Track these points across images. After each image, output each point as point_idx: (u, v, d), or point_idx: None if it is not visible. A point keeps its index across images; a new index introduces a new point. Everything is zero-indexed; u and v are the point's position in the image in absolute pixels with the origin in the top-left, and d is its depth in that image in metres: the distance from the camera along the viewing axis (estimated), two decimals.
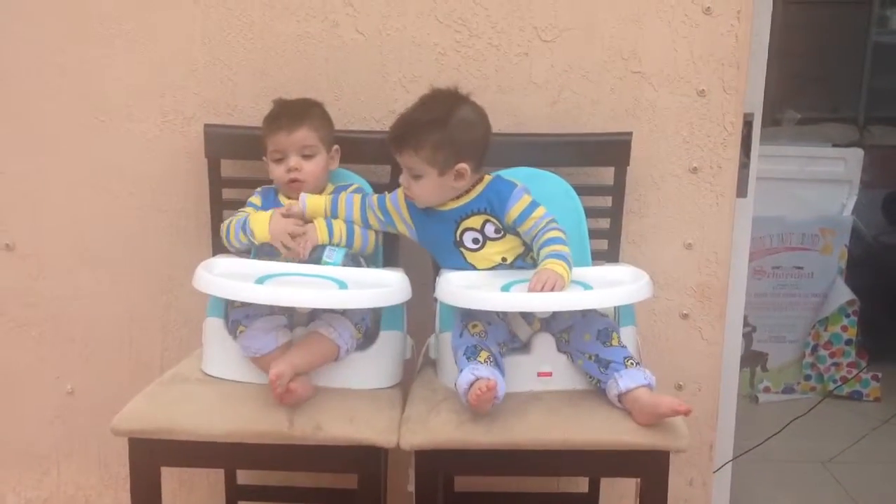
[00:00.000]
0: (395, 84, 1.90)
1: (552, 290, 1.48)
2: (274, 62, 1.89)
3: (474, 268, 1.64)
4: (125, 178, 1.96)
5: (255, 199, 1.76)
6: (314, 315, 1.61)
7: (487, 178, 1.66)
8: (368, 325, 1.63)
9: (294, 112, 1.71)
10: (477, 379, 1.45)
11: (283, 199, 1.75)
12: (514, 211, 1.60)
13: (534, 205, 1.61)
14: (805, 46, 4.47)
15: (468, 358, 1.52)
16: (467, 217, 1.64)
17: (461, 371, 1.50)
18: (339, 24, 1.88)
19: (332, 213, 1.71)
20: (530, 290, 1.49)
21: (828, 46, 4.75)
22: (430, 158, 1.57)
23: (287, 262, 1.65)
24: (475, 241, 1.64)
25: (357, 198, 1.72)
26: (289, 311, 1.60)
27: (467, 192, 1.64)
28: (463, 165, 1.59)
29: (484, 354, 1.52)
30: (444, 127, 1.57)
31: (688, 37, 1.87)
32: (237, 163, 1.90)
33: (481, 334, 1.56)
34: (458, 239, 1.64)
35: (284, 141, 1.68)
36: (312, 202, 1.70)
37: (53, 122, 1.94)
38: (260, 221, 1.67)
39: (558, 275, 1.50)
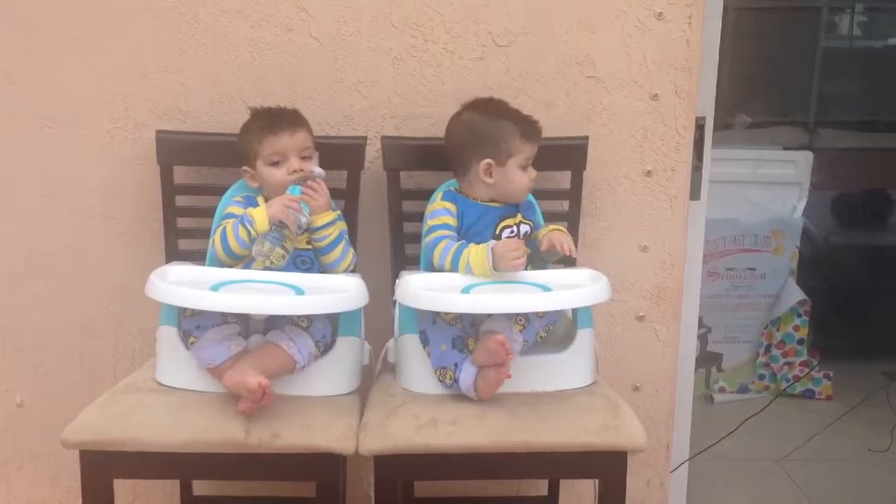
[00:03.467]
0: (351, 89, 1.89)
1: (569, 248, 1.64)
2: (227, 68, 1.88)
3: None
4: (75, 185, 1.92)
5: (237, 208, 1.68)
6: (271, 322, 1.60)
7: None
8: (329, 342, 1.62)
9: (291, 116, 1.70)
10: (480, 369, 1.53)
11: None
12: (539, 218, 1.79)
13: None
14: (756, 51, 4.54)
15: (460, 350, 1.57)
16: (509, 217, 1.72)
17: (458, 366, 1.55)
18: (293, 29, 1.86)
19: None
20: (555, 247, 1.64)
21: (778, 51, 4.84)
22: None
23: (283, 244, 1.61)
24: (511, 233, 1.72)
25: (452, 249, 1.65)
26: (243, 319, 1.58)
27: None
28: None
29: (472, 343, 1.58)
30: None
31: (641, 42, 1.89)
32: (191, 169, 1.87)
33: (456, 320, 1.61)
34: (496, 233, 1.70)
35: (287, 143, 1.65)
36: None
37: (1, 129, 1.90)
38: (257, 211, 1.62)
39: (566, 234, 1.68)
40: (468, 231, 1.70)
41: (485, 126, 1.68)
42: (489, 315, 1.62)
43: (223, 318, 1.56)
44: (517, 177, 1.68)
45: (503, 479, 2.00)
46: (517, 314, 1.57)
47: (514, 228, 1.72)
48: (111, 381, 1.85)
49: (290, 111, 1.72)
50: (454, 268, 1.63)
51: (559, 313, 1.67)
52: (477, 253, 1.61)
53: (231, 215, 1.67)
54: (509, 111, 1.71)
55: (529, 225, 1.74)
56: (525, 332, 1.59)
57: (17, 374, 2.01)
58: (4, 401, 2.03)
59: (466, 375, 1.54)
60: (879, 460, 2.74)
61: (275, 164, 1.67)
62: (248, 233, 1.60)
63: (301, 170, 1.66)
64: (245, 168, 1.71)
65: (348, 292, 1.55)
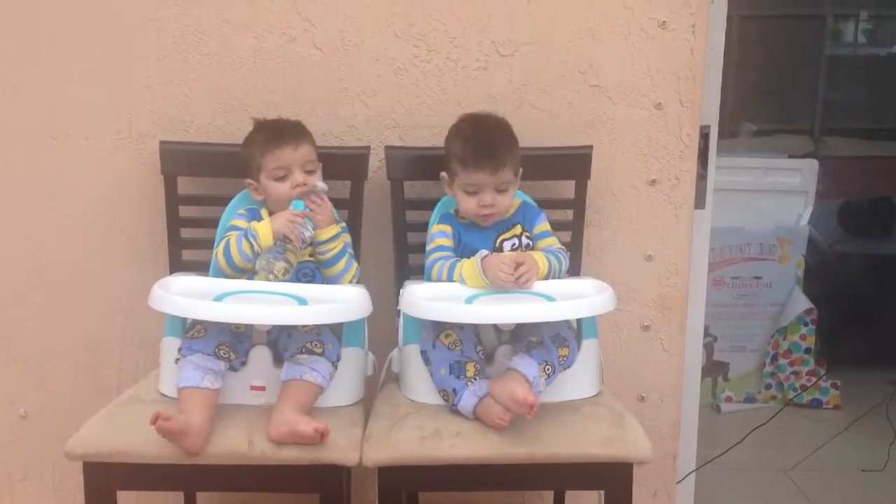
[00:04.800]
0: (354, 99, 1.89)
1: (525, 274, 1.58)
2: (230, 78, 1.88)
3: None
4: (79, 196, 1.92)
5: (241, 221, 1.68)
6: (275, 333, 1.60)
7: (518, 201, 1.77)
8: (340, 358, 1.61)
9: (295, 129, 1.69)
10: (484, 397, 1.51)
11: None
12: (540, 227, 1.75)
13: (550, 232, 1.76)
14: (761, 59, 4.54)
15: (457, 376, 1.55)
16: (507, 230, 1.73)
17: (457, 392, 1.54)
18: (296, 39, 1.86)
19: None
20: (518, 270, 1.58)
21: (783, 59, 4.83)
22: (515, 169, 1.69)
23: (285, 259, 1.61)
24: (513, 245, 1.72)
25: (446, 265, 1.68)
26: (234, 348, 1.56)
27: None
28: (520, 169, 1.71)
29: (471, 369, 1.55)
30: (514, 140, 1.71)
31: (644, 50, 1.89)
32: (194, 180, 1.87)
33: (456, 344, 1.58)
34: (497, 247, 1.71)
35: (291, 156, 1.65)
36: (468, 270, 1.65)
37: (5, 140, 1.90)
38: (262, 225, 1.62)
39: (535, 263, 1.62)
40: (465, 248, 1.71)
41: (447, 139, 1.72)
42: (499, 338, 1.62)
43: (215, 351, 1.53)
44: (462, 199, 1.69)
45: (508, 491, 1.99)
46: (545, 362, 1.54)
47: (516, 241, 1.72)
48: (115, 392, 1.86)
49: (294, 123, 1.72)
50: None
51: (576, 354, 1.63)
52: (469, 266, 1.63)
53: (235, 228, 1.67)
54: (473, 132, 1.67)
55: (528, 236, 1.74)
56: (548, 380, 1.55)
57: (21, 385, 2.01)
58: (8, 412, 2.02)
59: (466, 404, 1.52)
60: (887, 469, 2.72)
61: (279, 178, 1.66)
62: (252, 247, 1.60)
63: (305, 184, 1.66)
64: (249, 181, 1.70)
65: (351, 302, 1.55)
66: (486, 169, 1.64)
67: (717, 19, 1.96)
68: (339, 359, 1.59)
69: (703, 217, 2.07)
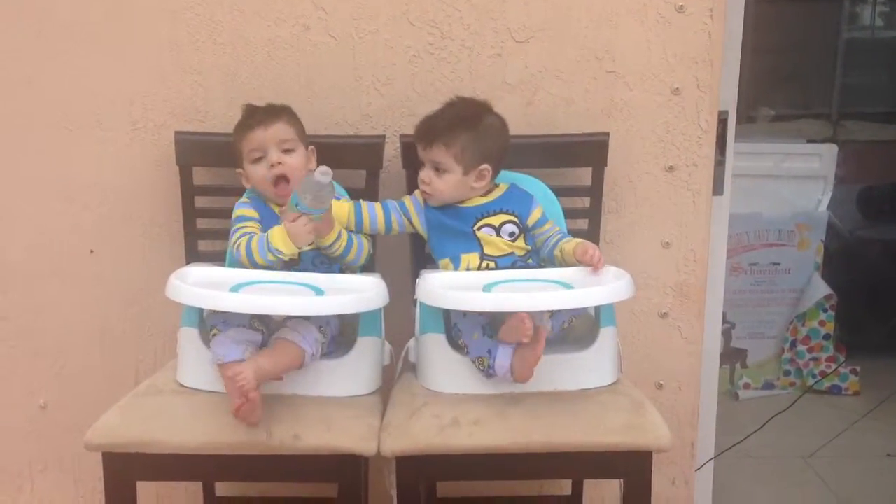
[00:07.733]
0: (369, 87, 1.88)
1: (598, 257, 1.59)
2: (245, 67, 1.87)
3: (483, 251, 1.67)
4: (95, 187, 1.93)
5: (250, 211, 1.68)
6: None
7: (504, 186, 1.73)
8: (334, 330, 1.61)
9: (267, 109, 1.69)
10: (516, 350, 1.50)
11: (272, 207, 1.69)
12: (536, 214, 1.71)
13: (547, 216, 1.72)
14: (778, 43, 4.50)
15: (491, 336, 1.54)
16: (489, 216, 1.69)
17: (490, 353, 1.53)
18: (310, 27, 1.86)
19: (357, 219, 1.70)
20: (589, 256, 1.60)
21: (800, 43, 4.79)
22: (458, 155, 1.64)
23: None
24: (511, 234, 1.69)
25: (377, 203, 1.72)
26: (265, 322, 1.57)
27: (489, 192, 1.71)
28: (486, 167, 1.67)
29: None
30: (475, 128, 1.65)
31: (661, 35, 1.86)
32: (210, 170, 1.87)
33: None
34: (474, 231, 1.68)
35: (262, 136, 1.63)
36: (337, 207, 1.67)
37: (21, 132, 1.90)
38: (280, 237, 1.57)
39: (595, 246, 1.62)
40: (447, 229, 1.69)
41: None
42: None
43: (250, 323, 1.54)
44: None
45: (526, 480, 1.99)
46: None
47: (492, 228, 1.68)
48: (133, 383, 1.87)
49: (272, 106, 1.70)
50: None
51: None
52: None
53: (242, 218, 1.67)
54: (440, 108, 1.69)
55: (515, 223, 1.69)
56: (553, 319, 1.56)
57: (40, 376, 2.02)
58: (28, 403, 2.04)
59: (502, 360, 1.51)
60: None
61: (255, 160, 1.65)
62: (276, 257, 1.58)
63: (280, 163, 1.63)
64: (238, 170, 1.71)
65: (368, 292, 1.54)
66: (421, 142, 1.66)
67: (734, 3, 1.94)
68: (331, 327, 1.59)
69: (722, 203, 2.05)
